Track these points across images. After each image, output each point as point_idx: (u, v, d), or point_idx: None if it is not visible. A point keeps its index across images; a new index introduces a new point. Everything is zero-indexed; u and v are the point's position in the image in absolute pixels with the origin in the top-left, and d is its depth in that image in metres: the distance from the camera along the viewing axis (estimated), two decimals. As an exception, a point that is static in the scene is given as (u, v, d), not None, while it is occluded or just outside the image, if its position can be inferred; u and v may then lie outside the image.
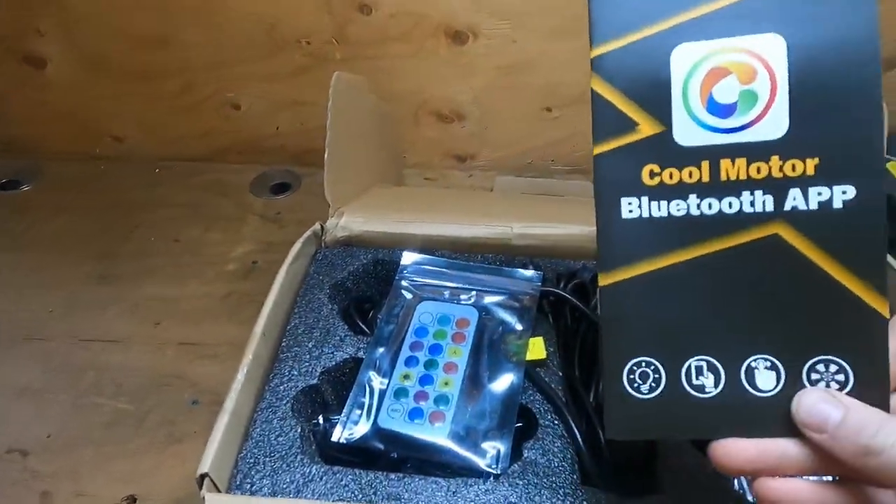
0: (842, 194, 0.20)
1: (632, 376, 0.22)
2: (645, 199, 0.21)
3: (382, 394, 0.33)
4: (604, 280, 0.22)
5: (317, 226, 0.42)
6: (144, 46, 0.72)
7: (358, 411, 0.32)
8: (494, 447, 0.30)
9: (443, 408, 0.32)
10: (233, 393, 0.30)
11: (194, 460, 0.29)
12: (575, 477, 0.29)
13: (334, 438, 0.31)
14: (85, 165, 0.80)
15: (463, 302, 0.38)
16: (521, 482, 0.29)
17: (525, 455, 0.30)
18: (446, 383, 0.34)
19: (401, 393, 0.33)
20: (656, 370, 0.22)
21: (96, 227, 0.71)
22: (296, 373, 0.34)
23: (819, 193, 0.21)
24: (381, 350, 0.35)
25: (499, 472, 0.29)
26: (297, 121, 0.78)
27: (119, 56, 0.73)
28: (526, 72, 0.72)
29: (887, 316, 0.20)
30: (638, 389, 0.22)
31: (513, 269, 0.40)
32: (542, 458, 0.30)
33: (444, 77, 0.73)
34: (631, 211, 0.21)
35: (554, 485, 0.29)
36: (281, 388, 0.33)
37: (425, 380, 0.34)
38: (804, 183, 0.21)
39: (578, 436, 0.30)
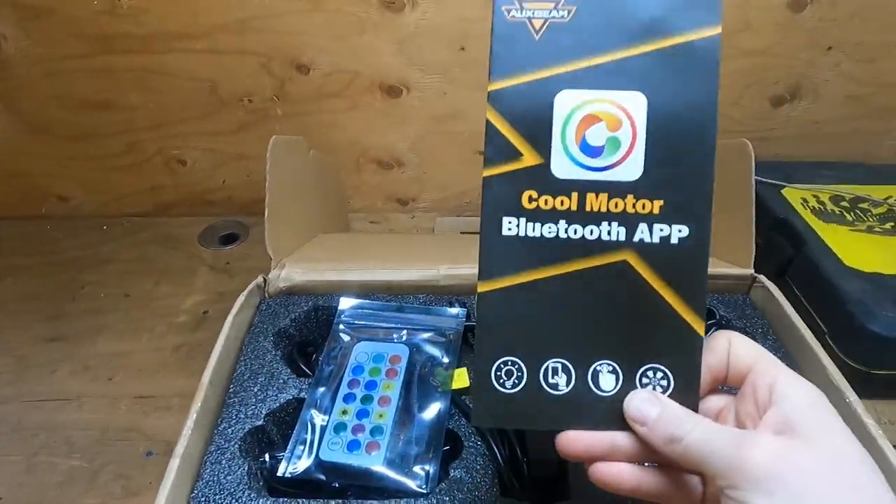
0: (678, 232, 0.25)
1: (499, 372, 0.25)
2: (523, 220, 0.25)
3: (323, 429, 0.36)
4: (481, 287, 0.25)
5: (259, 278, 0.46)
6: (87, 109, 0.74)
7: (301, 447, 0.35)
8: (424, 469, 0.34)
9: (378, 438, 0.36)
10: (183, 439, 0.33)
11: (151, 511, 0.32)
12: (496, 490, 0.33)
13: (280, 473, 0.34)
14: (31, 226, 0.81)
15: (395, 340, 0.42)
16: (447, 498, 0.32)
17: (452, 474, 0.34)
18: (381, 415, 0.37)
19: (340, 427, 0.36)
20: (519, 369, 0.25)
21: (45, 287, 0.72)
22: (242, 416, 0.37)
23: (661, 230, 0.25)
24: (321, 389, 0.38)
25: (428, 491, 0.33)
26: (242, 173, 0.82)
27: (62, 119, 0.75)
28: (457, 120, 0.78)
29: (703, 335, 0.25)
30: (503, 384, 0.25)
31: (440, 308, 0.44)
32: (466, 476, 0.34)
33: (381, 127, 0.79)
34: (510, 229, 0.25)
35: (477, 499, 0.32)
36: (229, 430, 0.36)
37: (362, 413, 0.37)
38: (650, 220, 0.25)
39: (498, 454, 0.34)
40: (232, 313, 0.41)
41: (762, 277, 0.46)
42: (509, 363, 0.26)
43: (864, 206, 0.68)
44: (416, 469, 0.34)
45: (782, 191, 0.71)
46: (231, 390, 0.38)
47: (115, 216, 0.83)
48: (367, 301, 0.44)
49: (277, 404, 0.37)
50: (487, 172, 0.26)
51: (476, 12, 0.70)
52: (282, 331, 0.43)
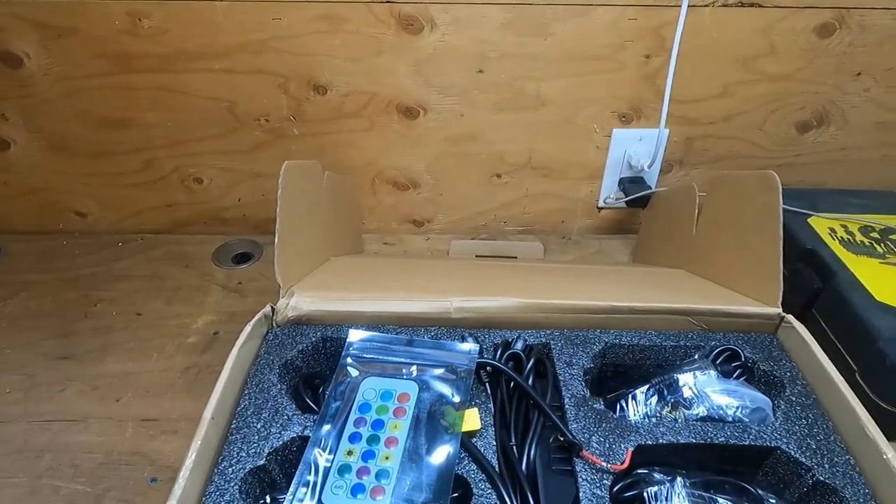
0: None
1: None
2: None
3: (327, 471, 0.34)
4: None
5: (268, 308, 0.45)
6: (107, 127, 0.75)
7: (303, 489, 0.34)
8: None
9: (384, 482, 0.34)
10: (181, 479, 0.32)
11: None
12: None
13: (281, 516, 0.32)
14: (47, 241, 0.81)
15: (405, 376, 0.40)
16: (454, 551, 0.31)
17: (460, 525, 0.32)
18: (387, 458, 0.35)
19: (344, 469, 0.35)
20: None
21: (57, 304, 0.72)
22: (244, 454, 0.35)
23: None
24: (326, 427, 0.37)
25: (435, 542, 0.31)
26: (257, 192, 0.82)
27: (82, 136, 0.76)
28: (474, 141, 0.77)
29: None
30: None
31: (452, 342, 0.43)
32: (475, 527, 0.32)
33: (397, 148, 0.78)
34: None
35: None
36: (229, 470, 0.34)
37: (367, 455, 0.35)
38: None
39: (509, 502, 0.33)
40: (237, 345, 0.40)
41: (791, 318, 0.44)
42: None
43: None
44: (423, 518, 0.32)
45: (809, 220, 0.68)
46: (234, 426, 0.37)
47: (131, 232, 0.83)
48: (377, 334, 0.43)
49: (280, 442, 0.36)
50: None
51: (494, 35, 0.69)
52: (288, 363, 0.42)
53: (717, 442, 0.37)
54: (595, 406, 0.39)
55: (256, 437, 0.36)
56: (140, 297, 0.73)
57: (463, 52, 0.70)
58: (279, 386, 0.40)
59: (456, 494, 0.34)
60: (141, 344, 0.67)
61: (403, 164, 0.80)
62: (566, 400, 0.39)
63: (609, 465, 0.35)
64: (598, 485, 0.34)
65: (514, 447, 0.37)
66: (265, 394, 0.39)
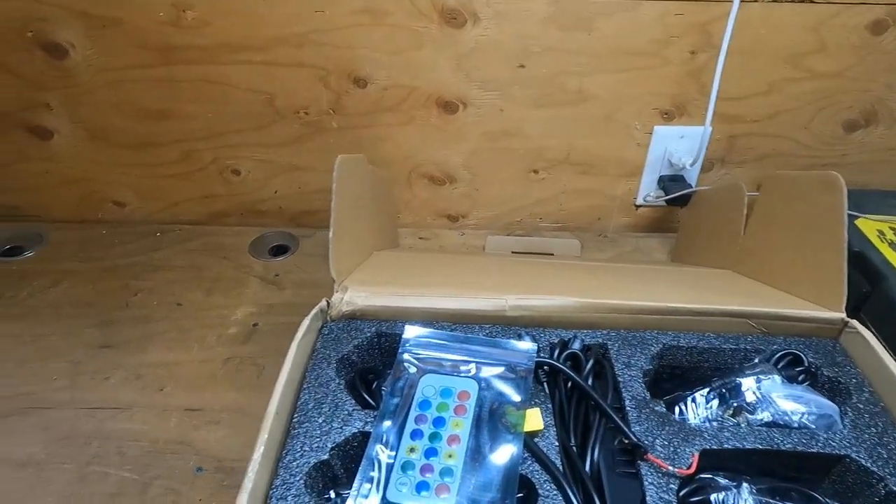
0: None
1: None
2: None
3: (390, 467, 0.34)
4: None
5: (323, 302, 0.44)
6: (147, 118, 0.75)
7: (367, 485, 0.34)
8: None
9: (448, 480, 0.34)
10: (251, 472, 0.32)
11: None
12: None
13: (347, 512, 0.32)
14: (87, 231, 0.82)
15: (463, 374, 0.40)
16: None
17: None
18: (450, 455, 0.35)
19: (407, 466, 0.35)
20: None
21: (98, 293, 0.72)
22: (307, 448, 0.35)
23: None
24: (387, 423, 0.37)
25: (503, 542, 0.31)
26: (294, 185, 0.82)
27: (123, 127, 0.76)
28: (513, 137, 0.77)
29: None
30: None
31: (509, 341, 0.42)
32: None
33: (435, 143, 0.78)
34: None
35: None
36: (294, 464, 0.34)
37: (430, 452, 0.35)
38: None
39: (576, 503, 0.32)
40: (296, 339, 0.40)
41: (855, 323, 0.43)
42: None
43: (946, 241, 0.64)
44: (490, 517, 0.32)
45: (856, 221, 0.67)
46: (295, 420, 0.37)
47: (169, 223, 0.84)
48: (434, 331, 0.43)
49: (342, 437, 0.36)
50: None
51: (536, 30, 0.68)
52: (344, 357, 0.42)
53: (783, 448, 0.36)
54: (657, 409, 0.38)
55: (319, 432, 0.36)
56: (179, 287, 0.73)
57: (505, 46, 0.70)
58: (337, 381, 0.40)
59: (521, 494, 0.34)
60: (182, 334, 0.67)
61: (440, 158, 0.79)
62: (626, 401, 0.39)
63: (676, 470, 0.34)
64: (664, 489, 0.34)
65: (575, 447, 0.37)
66: (324, 388, 0.39)
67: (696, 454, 0.35)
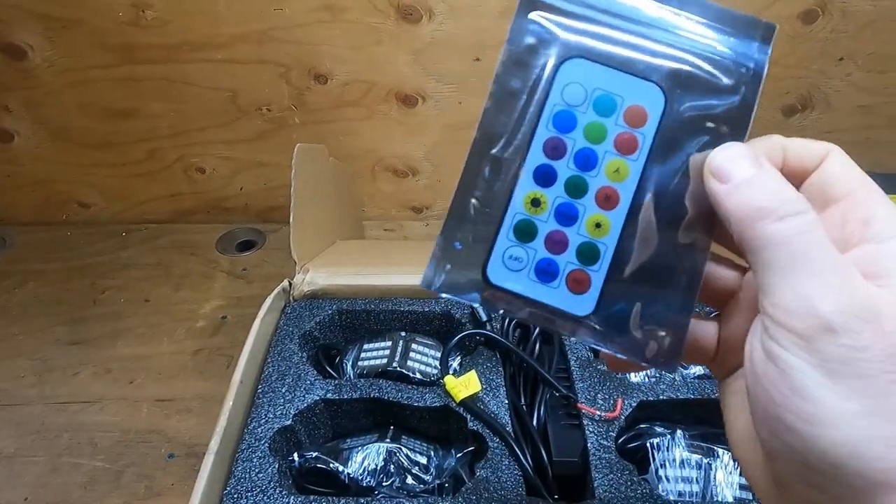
0: None
1: None
2: None
3: (495, 219, 0.21)
4: None
5: (285, 282, 0.46)
6: (110, 118, 0.76)
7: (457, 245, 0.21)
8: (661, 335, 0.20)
9: (591, 269, 0.21)
10: (216, 436, 0.34)
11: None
12: (521, 490, 0.34)
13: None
14: (52, 232, 0.82)
15: (640, 72, 0.21)
16: (473, 497, 0.33)
17: (478, 474, 0.35)
18: (598, 225, 0.21)
19: (524, 229, 0.21)
20: None
21: (65, 292, 0.73)
22: (271, 416, 0.37)
23: None
24: (504, 123, 0.22)
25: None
26: (260, 181, 0.83)
27: (86, 127, 0.76)
28: (473, 129, 0.79)
29: None
30: None
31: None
32: (492, 476, 0.34)
33: (397, 136, 0.80)
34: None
35: (503, 499, 0.33)
36: (259, 430, 0.36)
37: (565, 212, 0.21)
38: None
39: (521, 456, 0.35)
40: (259, 315, 0.42)
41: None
42: None
43: (877, 214, 0.68)
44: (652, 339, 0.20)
45: (795, 199, 0.71)
46: (260, 390, 0.39)
47: (135, 222, 0.84)
48: None
49: (305, 404, 0.38)
50: None
51: (490, 24, 0.71)
52: (307, 333, 0.44)
53: (713, 397, 0.39)
54: (599, 367, 0.41)
55: (282, 401, 0.38)
56: (147, 284, 0.74)
57: (461, 40, 0.72)
58: (300, 354, 0.42)
59: (472, 448, 0.37)
60: (151, 329, 0.68)
61: (403, 151, 0.82)
62: (572, 363, 0.42)
63: (604, 414, 0.37)
64: (604, 436, 0.36)
65: (525, 406, 0.40)
66: (287, 362, 0.41)
67: (620, 399, 0.38)
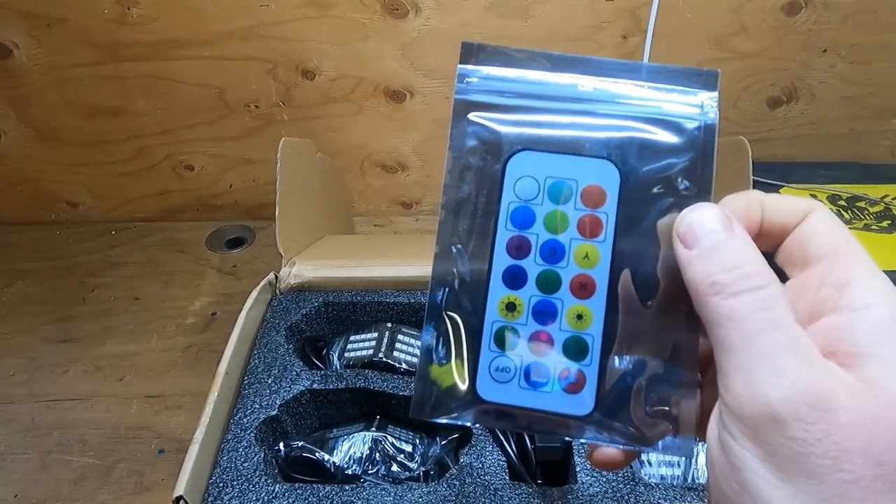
0: None
1: None
2: None
3: (474, 334, 0.20)
4: None
5: (271, 275, 0.47)
6: (98, 116, 0.76)
7: (440, 361, 0.20)
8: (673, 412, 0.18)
9: (583, 365, 0.20)
10: (202, 426, 0.34)
11: (165, 505, 0.33)
12: (505, 475, 0.34)
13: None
14: (41, 232, 0.82)
15: (587, 151, 0.21)
16: (457, 483, 0.33)
17: (462, 460, 0.35)
18: (580, 316, 0.20)
19: (504, 335, 0.20)
20: None
21: (54, 291, 0.73)
22: (257, 406, 0.38)
23: None
24: (461, 229, 0.20)
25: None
26: (249, 178, 0.83)
27: (72, 126, 0.76)
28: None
29: None
30: None
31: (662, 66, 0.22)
32: (476, 462, 0.34)
33: (385, 131, 0.80)
34: None
35: (487, 483, 0.33)
36: (244, 420, 0.37)
37: (543, 309, 0.20)
38: None
39: (505, 442, 0.35)
40: (245, 308, 0.42)
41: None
42: None
43: (861, 204, 0.69)
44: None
45: (780, 191, 0.72)
46: (246, 381, 0.39)
47: (124, 221, 0.84)
48: (524, 70, 0.24)
49: (291, 395, 0.38)
50: None
51: (476, 18, 0.71)
52: (293, 325, 0.44)
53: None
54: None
55: (268, 392, 0.38)
56: (137, 282, 0.74)
57: (447, 35, 0.73)
58: (286, 346, 0.42)
59: (456, 435, 0.37)
60: (141, 326, 0.68)
61: (391, 146, 0.82)
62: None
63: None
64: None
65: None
66: (273, 353, 0.41)
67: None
